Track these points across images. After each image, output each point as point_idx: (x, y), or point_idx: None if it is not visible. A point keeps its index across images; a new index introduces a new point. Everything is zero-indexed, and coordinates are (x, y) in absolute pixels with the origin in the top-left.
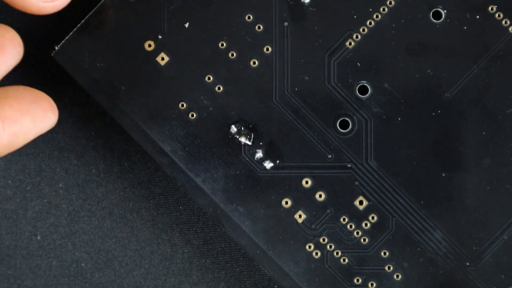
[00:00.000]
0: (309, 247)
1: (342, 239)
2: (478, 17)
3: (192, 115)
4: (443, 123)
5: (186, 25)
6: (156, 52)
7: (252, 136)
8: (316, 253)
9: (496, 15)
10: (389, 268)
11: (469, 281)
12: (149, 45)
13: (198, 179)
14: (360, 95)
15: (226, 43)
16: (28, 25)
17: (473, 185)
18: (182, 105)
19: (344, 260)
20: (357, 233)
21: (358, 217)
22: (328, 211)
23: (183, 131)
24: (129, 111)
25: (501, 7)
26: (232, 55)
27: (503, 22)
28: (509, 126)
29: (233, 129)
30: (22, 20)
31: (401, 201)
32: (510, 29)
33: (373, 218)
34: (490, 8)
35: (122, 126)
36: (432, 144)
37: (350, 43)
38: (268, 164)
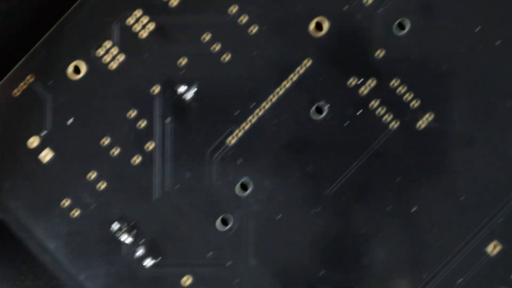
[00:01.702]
0: None
1: None
2: (359, 112)
3: (75, 213)
4: (324, 221)
5: (70, 121)
6: (39, 149)
7: (134, 233)
8: None
9: (378, 110)
10: None
11: None
12: (33, 142)
13: (81, 276)
14: (240, 193)
15: (109, 139)
16: None
17: (354, 283)
18: (66, 202)
19: None
20: None
21: None
22: None
23: (67, 228)
24: (13, 208)
25: (383, 102)
26: (114, 151)
27: (385, 117)
28: (389, 224)
29: (115, 226)
30: None
31: None
32: (392, 124)
33: None
34: (372, 103)
35: (5, 223)
36: (312, 242)
37: (231, 140)
38: (149, 262)
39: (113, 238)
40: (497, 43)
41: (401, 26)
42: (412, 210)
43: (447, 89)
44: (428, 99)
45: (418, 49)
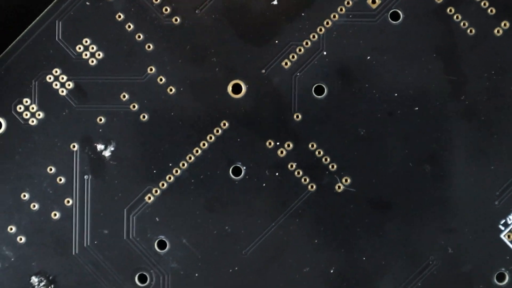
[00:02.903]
0: None
1: None
2: (277, 174)
3: None
4: (241, 281)
5: None
6: None
7: (52, 287)
8: None
9: (296, 172)
10: None
11: None
12: None
13: None
14: (158, 250)
15: (28, 194)
16: None
17: None
18: None
19: None
20: None
21: None
22: None
23: None
24: None
25: (300, 165)
26: (34, 206)
27: (303, 179)
28: (306, 286)
29: (34, 280)
30: None
31: None
32: (309, 186)
33: None
34: (289, 166)
35: None
36: None
37: (149, 198)
38: None
39: None
40: (415, 109)
41: (318, 91)
42: (331, 271)
43: (364, 154)
44: (345, 163)
45: (336, 113)
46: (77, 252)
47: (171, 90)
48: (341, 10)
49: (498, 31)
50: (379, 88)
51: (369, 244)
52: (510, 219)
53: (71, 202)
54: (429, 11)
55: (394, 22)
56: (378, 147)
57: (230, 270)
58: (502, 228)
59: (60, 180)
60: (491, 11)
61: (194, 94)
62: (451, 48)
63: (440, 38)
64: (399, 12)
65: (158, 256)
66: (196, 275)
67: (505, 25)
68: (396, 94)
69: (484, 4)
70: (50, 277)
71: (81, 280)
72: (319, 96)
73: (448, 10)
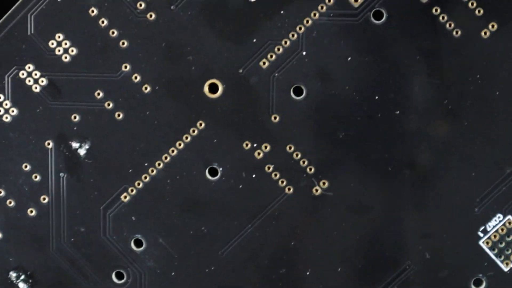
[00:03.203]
0: None
1: None
2: (254, 176)
3: None
4: (217, 280)
5: None
6: None
7: (30, 282)
8: None
9: (273, 174)
10: None
11: None
12: None
13: None
14: (134, 248)
15: (3, 191)
16: None
17: None
18: None
19: None
20: None
21: None
22: None
23: None
24: None
25: (277, 167)
26: (10, 203)
27: (280, 182)
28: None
29: (11, 275)
30: None
31: None
32: (287, 189)
33: None
34: (266, 168)
35: None
36: None
37: (125, 197)
38: None
39: (12, 285)
40: (396, 112)
41: (297, 92)
42: (307, 273)
43: (343, 157)
44: (323, 167)
45: (314, 115)
46: (54, 248)
47: (146, 88)
48: (321, 8)
49: (485, 33)
50: (360, 91)
51: (346, 248)
52: (489, 226)
53: (47, 199)
54: (414, 10)
55: (377, 21)
56: (357, 151)
57: (207, 270)
58: (481, 234)
59: (36, 177)
60: (479, 11)
61: (170, 93)
62: (435, 50)
63: (425, 39)
64: (383, 11)
65: (134, 255)
66: (173, 273)
67: (493, 26)
68: (376, 97)
69: (472, 4)
70: (28, 272)
71: (59, 276)
72: (298, 97)
73: (434, 10)
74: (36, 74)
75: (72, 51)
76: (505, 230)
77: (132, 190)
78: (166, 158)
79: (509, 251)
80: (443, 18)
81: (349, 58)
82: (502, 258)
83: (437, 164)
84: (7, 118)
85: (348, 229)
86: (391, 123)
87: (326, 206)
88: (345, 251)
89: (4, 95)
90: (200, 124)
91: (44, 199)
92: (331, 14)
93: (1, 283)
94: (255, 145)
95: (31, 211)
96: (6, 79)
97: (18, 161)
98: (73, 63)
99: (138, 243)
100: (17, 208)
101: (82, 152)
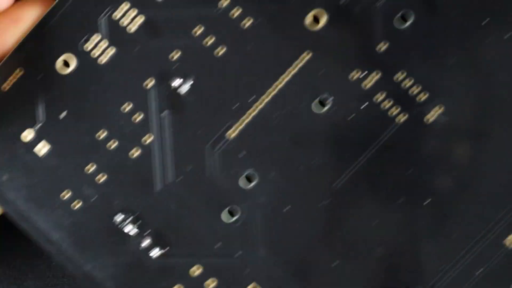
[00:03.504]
0: None
1: None
2: (363, 106)
3: (77, 205)
4: (333, 213)
5: (63, 115)
6: (34, 142)
7: (138, 224)
8: None
9: (383, 104)
10: None
11: None
12: (27, 135)
13: (87, 266)
14: (244, 186)
15: (105, 133)
16: None
17: (365, 274)
18: (66, 194)
19: None
20: None
21: None
22: None
23: (69, 220)
24: (13, 200)
25: (388, 96)
26: (112, 144)
27: (390, 111)
28: (401, 217)
29: (118, 218)
30: None
31: None
32: (398, 119)
33: None
34: (376, 97)
35: (7, 215)
36: (323, 233)
37: (232, 133)
38: (155, 253)
39: (118, 229)
40: (505, 37)
41: (404, 19)
42: (425, 203)
43: (457, 81)
44: (437, 92)
45: (424, 40)
46: (160, 189)
47: (247, 22)
48: None
49: None
50: (469, 16)
51: (467, 174)
52: None
53: (150, 139)
54: None
55: None
56: (471, 75)
57: (321, 204)
58: None
59: (137, 117)
60: None
61: (272, 25)
62: None
63: None
64: None
65: (245, 192)
66: (286, 208)
67: None
68: (487, 20)
69: None
70: (135, 215)
71: (167, 217)
72: (405, 25)
73: None
74: (132, 13)
75: None
76: None
77: (238, 126)
78: (272, 91)
79: None
80: None
81: None
82: None
83: None
84: (104, 59)
85: (468, 155)
86: (502, 47)
87: (441, 134)
88: (467, 177)
89: (101, 34)
90: (306, 56)
91: (147, 139)
92: None
93: (107, 226)
94: (363, 74)
95: (135, 152)
96: (101, 19)
97: (118, 102)
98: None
99: (248, 179)
100: (120, 149)
101: (184, 89)
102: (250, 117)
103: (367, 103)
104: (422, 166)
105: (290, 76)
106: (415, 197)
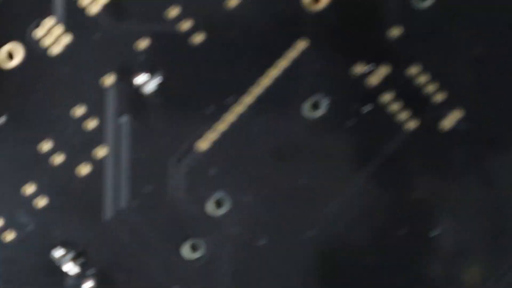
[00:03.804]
0: None
1: None
2: (367, 109)
3: (8, 235)
4: (322, 248)
5: (1, 121)
6: None
7: (80, 262)
8: None
9: (391, 107)
10: None
11: None
12: None
13: None
14: (214, 212)
15: (50, 144)
16: None
17: None
18: None
19: None
20: None
21: None
22: None
23: None
24: None
25: (398, 96)
26: (57, 159)
27: (399, 116)
28: (406, 251)
29: (57, 253)
30: None
31: None
32: (407, 125)
33: None
34: (383, 98)
35: None
36: (308, 274)
37: (203, 144)
38: None
39: (55, 267)
40: None
41: None
42: (433, 235)
43: (482, 79)
44: (458, 92)
45: (446, 26)
46: (112, 215)
47: (231, 2)
48: None
49: None
50: None
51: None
52: None
53: (103, 152)
54: None
55: None
56: (499, 71)
57: (307, 234)
58: None
59: (90, 124)
60: None
61: (262, 6)
62: None
63: None
64: None
65: (214, 220)
66: (263, 241)
67: None
68: None
69: None
70: (78, 250)
71: (117, 252)
72: (424, 4)
73: None
74: None
75: None
76: None
77: (212, 135)
78: (256, 90)
79: None
80: None
81: None
82: None
83: None
84: (56, 48)
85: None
86: None
87: (460, 144)
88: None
89: (55, 17)
90: (301, 44)
91: (99, 152)
92: None
93: (43, 263)
94: (369, 68)
95: (83, 169)
96: None
97: (69, 104)
98: None
99: (219, 204)
100: (66, 165)
101: (149, 88)
102: (226, 124)
103: (371, 106)
104: (433, 186)
105: (279, 70)
106: (419, 228)
